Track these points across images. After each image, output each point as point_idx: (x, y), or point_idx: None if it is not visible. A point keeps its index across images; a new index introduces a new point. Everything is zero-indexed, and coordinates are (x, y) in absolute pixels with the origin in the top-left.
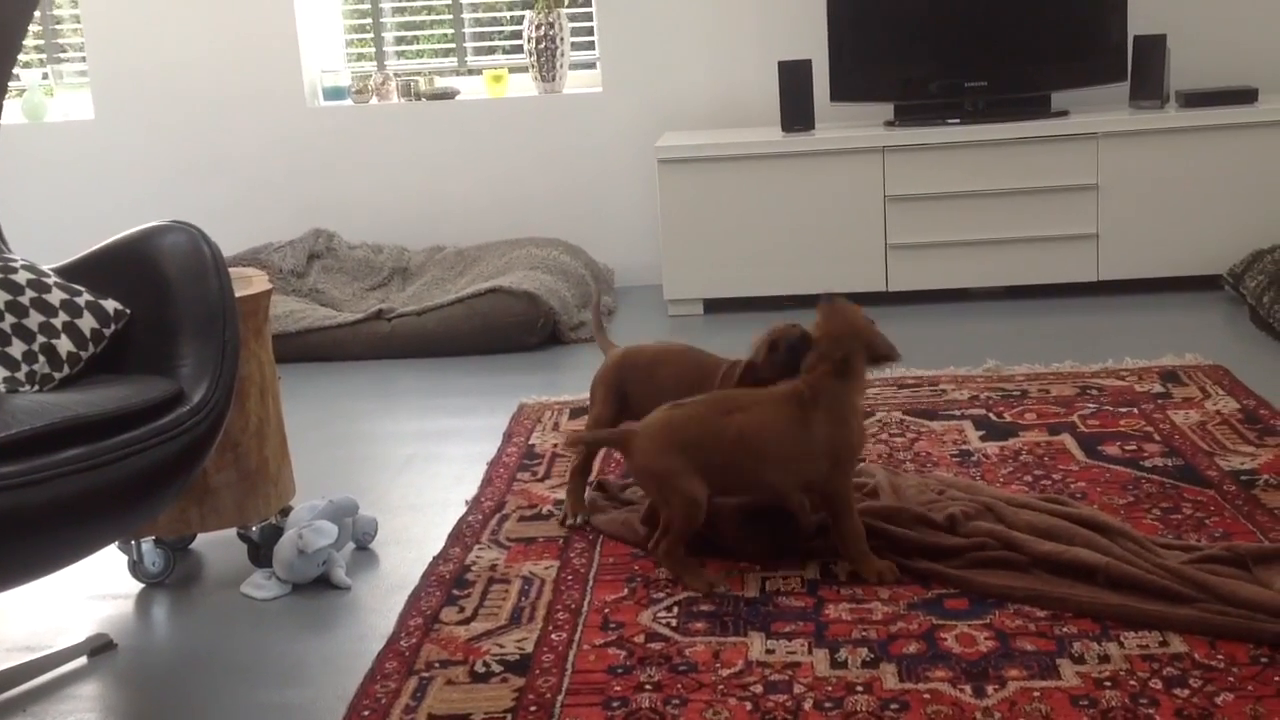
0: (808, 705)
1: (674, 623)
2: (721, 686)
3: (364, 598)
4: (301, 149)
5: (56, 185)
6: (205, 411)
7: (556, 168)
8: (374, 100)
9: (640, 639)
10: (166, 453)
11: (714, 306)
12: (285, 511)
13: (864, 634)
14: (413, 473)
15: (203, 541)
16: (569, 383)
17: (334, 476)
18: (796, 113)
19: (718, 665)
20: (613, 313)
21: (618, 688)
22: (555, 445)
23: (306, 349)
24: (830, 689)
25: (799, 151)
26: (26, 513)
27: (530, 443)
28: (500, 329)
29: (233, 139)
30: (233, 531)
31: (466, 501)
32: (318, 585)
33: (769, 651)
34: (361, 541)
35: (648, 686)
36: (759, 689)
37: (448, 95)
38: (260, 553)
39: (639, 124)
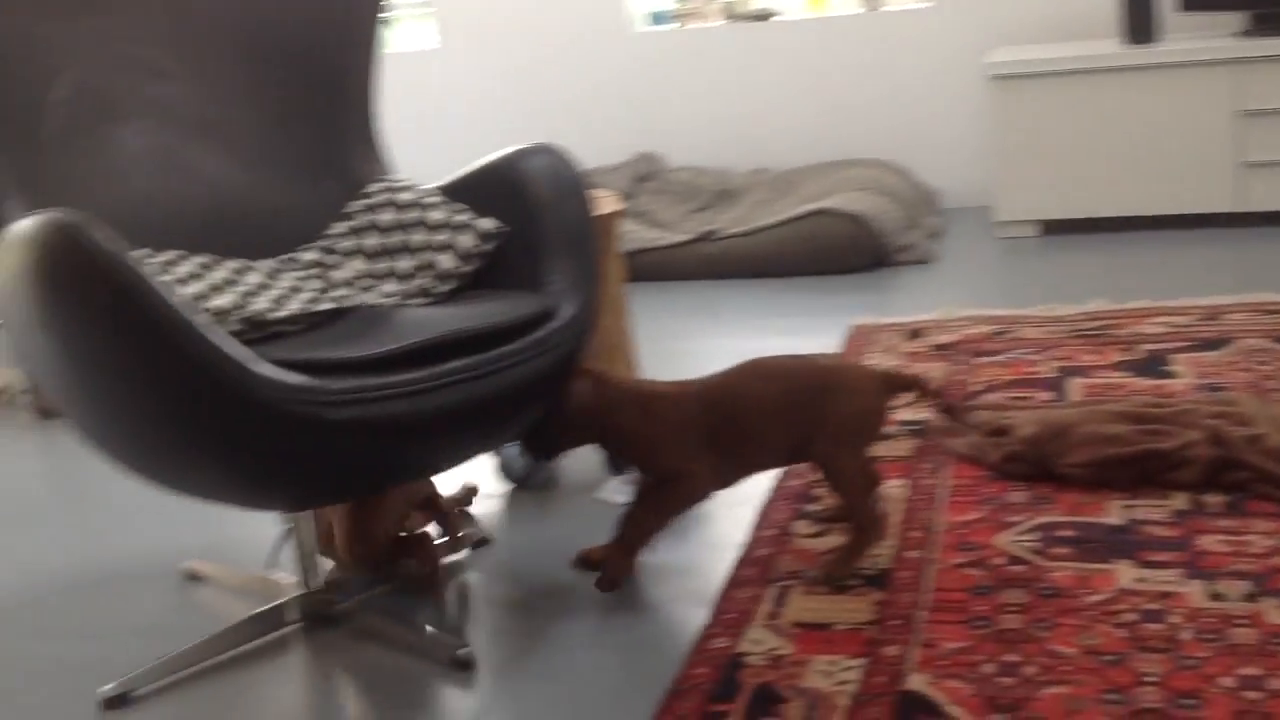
0: (1186, 636)
1: (1034, 546)
2: (1091, 612)
3: (712, 509)
4: (627, 73)
5: (401, 111)
6: (574, 327)
7: (880, 87)
8: (696, 23)
9: (1000, 561)
10: (540, 366)
11: (1048, 228)
12: None
13: (1242, 566)
14: None
15: None
16: (898, 304)
17: None
18: (1139, 23)
19: (1084, 591)
20: (940, 235)
21: (980, 608)
22: (893, 367)
23: (636, 269)
24: (1209, 621)
25: (1142, 65)
26: (418, 418)
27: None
28: (827, 250)
29: (564, 66)
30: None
31: None
32: None
33: (1139, 580)
34: None
35: (1012, 608)
36: (1132, 617)
37: (769, 15)
38: (613, 459)
39: (967, 39)
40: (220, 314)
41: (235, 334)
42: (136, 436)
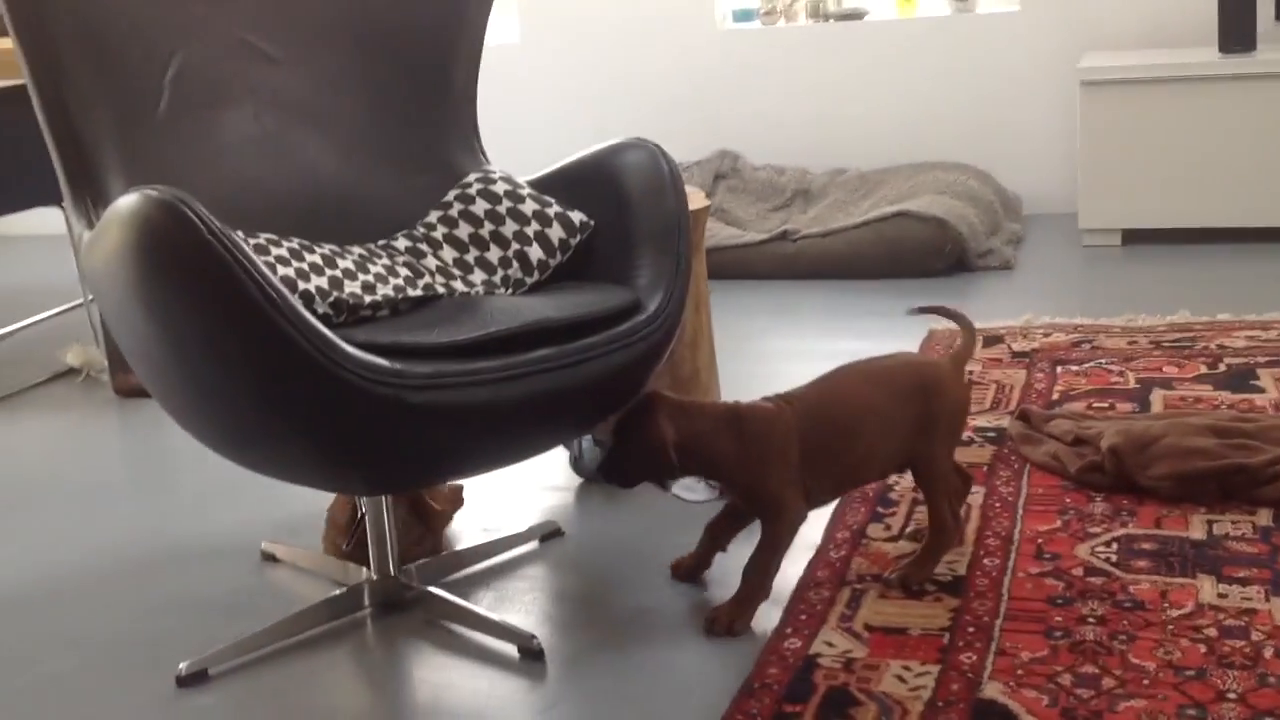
0: (1268, 653)
1: (1114, 558)
2: (1171, 626)
3: None
4: (709, 70)
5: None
6: (660, 321)
7: (965, 90)
8: (781, 22)
9: (1079, 572)
10: (624, 358)
11: (1132, 238)
12: None
13: None
14: None
15: None
16: (977, 310)
17: (749, 390)
18: (1237, 31)
19: (1165, 605)
20: (1021, 241)
21: (1058, 618)
22: (970, 372)
23: (713, 267)
24: None
25: (1238, 74)
26: (500, 406)
27: None
28: (906, 253)
29: (645, 61)
30: None
31: None
32: None
33: (1221, 595)
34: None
35: (1091, 620)
36: (1213, 632)
37: (857, 16)
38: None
39: (1057, 44)
40: (312, 296)
41: (324, 317)
42: (224, 413)
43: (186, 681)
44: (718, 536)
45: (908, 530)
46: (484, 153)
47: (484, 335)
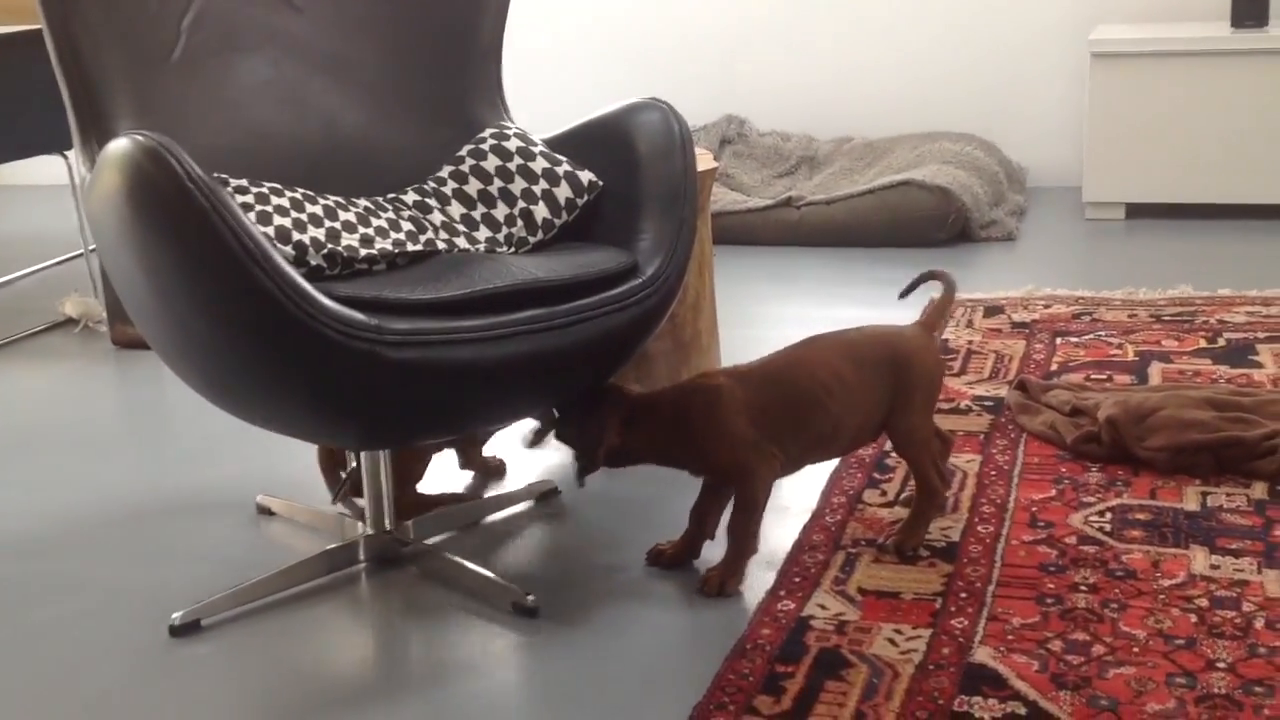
0: (1259, 624)
1: (1108, 528)
2: (1163, 596)
3: None
4: (718, 35)
5: None
6: (657, 285)
7: (974, 60)
8: None
9: (1072, 540)
10: (617, 322)
11: (1136, 212)
12: None
13: None
14: None
15: None
16: (979, 281)
17: (746, 355)
18: (1249, 6)
19: (1157, 575)
20: (1024, 213)
21: (1050, 585)
22: (969, 342)
23: (716, 232)
24: None
25: (1250, 49)
26: (485, 365)
27: (942, 338)
28: (909, 223)
29: (654, 23)
30: None
31: None
32: None
33: (1213, 566)
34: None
35: (1083, 587)
36: (1204, 602)
37: None
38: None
39: (1068, 15)
40: (306, 248)
41: (317, 269)
42: (208, 361)
43: (180, 631)
44: (704, 520)
45: (902, 496)
46: (507, 109)
47: (468, 293)
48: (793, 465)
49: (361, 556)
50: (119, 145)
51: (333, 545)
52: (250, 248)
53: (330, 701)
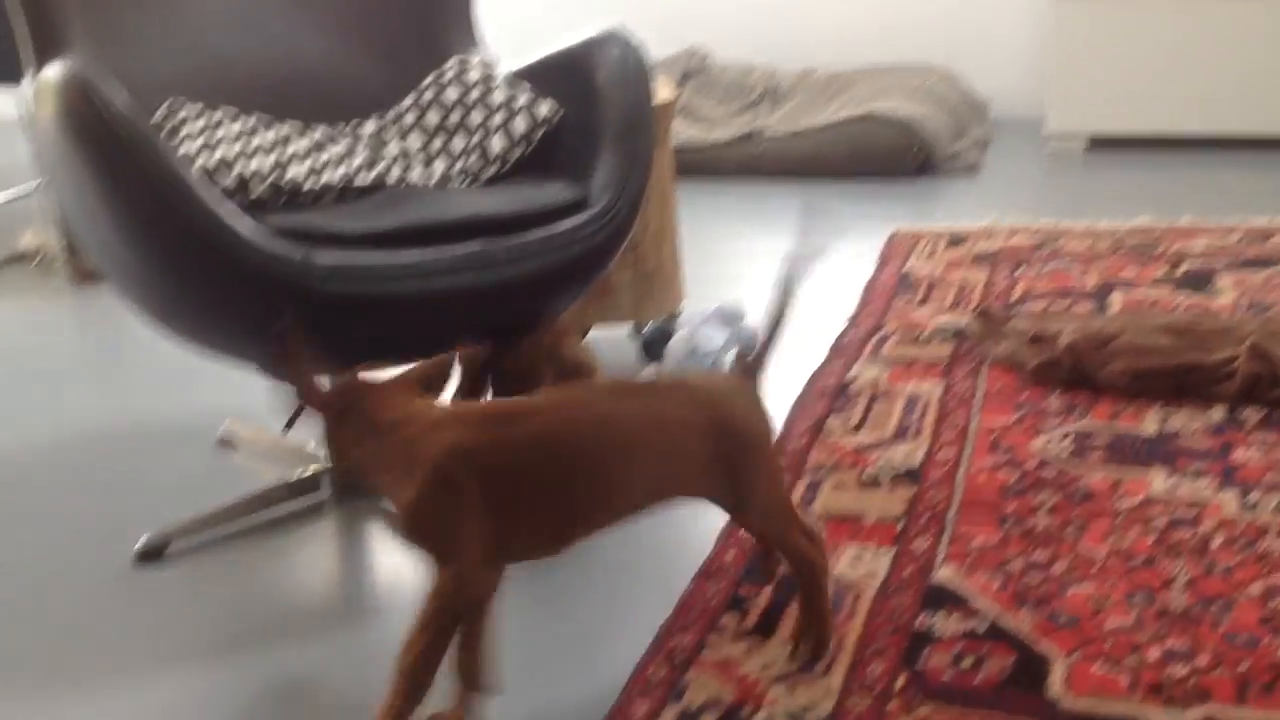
0: (1216, 544)
1: (1068, 452)
2: (1122, 516)
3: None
4: None
5: None
6: (604, 221)
7: None
8: None
9: (1032, 464)
10: (562, 257)
11: (1098, 144)
12: (674, 316)
13: (1276, 479)
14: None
15: (597, 336)
16: (942, 212)
17: (712, 288)
18: None
19: (1117, 496)
20: (986, 145)
21: (1011, 507)
22: (932, 273)
23: (679, 165)
24: (1240, 530)
25: None
26: (417, 300)
27: (905, 269)
28: (872, 156)
29: None
30: (626, 328)
31: (846, 320)
32: None
33: (1172, 488)
34: (745, 348)
35: (1043, 510)
36: (1163, 522)
37: None
38: (651, 350)
39: None
40: (251, 177)
41: (262, 199)
42: (146, 290)
43: (144, 556)
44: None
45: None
46: (478, 38)
47: (403, 226)
48: (509, 561)
49: (326, 485)
50: (48, 75)
51: (296, 474)
52: (171, 177)
53: (295, 625)
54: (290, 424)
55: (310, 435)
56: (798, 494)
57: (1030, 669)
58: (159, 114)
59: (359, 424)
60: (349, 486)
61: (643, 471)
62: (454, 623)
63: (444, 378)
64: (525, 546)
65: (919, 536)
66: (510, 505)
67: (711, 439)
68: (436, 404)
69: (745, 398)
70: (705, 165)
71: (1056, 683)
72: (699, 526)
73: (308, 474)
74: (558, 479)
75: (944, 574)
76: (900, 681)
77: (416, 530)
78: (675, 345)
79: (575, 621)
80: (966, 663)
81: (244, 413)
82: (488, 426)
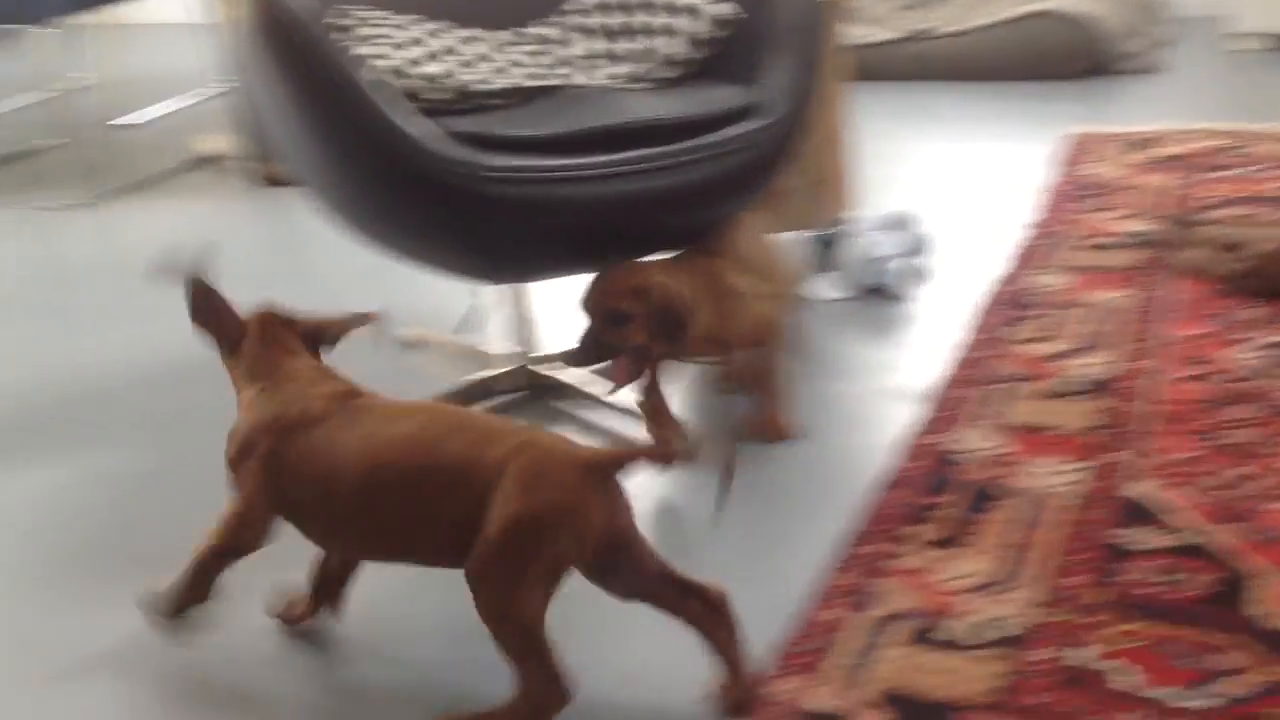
0: None
1: (1265, 364)
2: None
3: (921, 309)
4: None
5: None
6: (775, 127)
7: None
8: None
9: (1229, 377)
10: (732, 164)
11: None
12: (844, 222)
13: None
14: (963, 195)
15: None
16: (1118, 115)
17: (884, 192)
18: None
19: None
20: (1163, 44)
21: (1208, 421)
22: (1115, 177)
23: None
24: None
25: None
26: (585, 205)
27: (1083, 174)
28: (1044, 55)
29: None
30: (796, 235)
31: (1024, 226)
32: (874, 293)
33: None
34: (918, 255)
35: (1240, 423)
36: None
37: None
38: (823, 256)
39: None
40: (429, 80)
41: (442, 102)
42: (335, 192)
43: None
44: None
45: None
46: None
47: (575, 131)
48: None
49: (514, 384)
50: None
51: (485, 373)
52: (343, 81)
53: None
54: (465, 325)
55: (485, 336)
56: (977, 406)
57: (1230, 586)
58: (341, 19)
59: (251, 359)
60: (521, 388)
61: (389, 503)
62: (224, 552)
63: (334, 338)
64: (309, 532)
65: (1114, 449)
66: (286, 494)
67: (459, 503)
68: (313, 365)
69: (568, 475)
70: (870, 67)
71: (1258, 600)
72: (879, 441)
73: (499, 374)
74: (321, 489)
75: (1141, 488)
76: (1100, 596)
77: (230, 467)
78: (847, 252)
79: (760, 531)
80: (1166, 579)
81: (427, 317)
82: (291, 426)
